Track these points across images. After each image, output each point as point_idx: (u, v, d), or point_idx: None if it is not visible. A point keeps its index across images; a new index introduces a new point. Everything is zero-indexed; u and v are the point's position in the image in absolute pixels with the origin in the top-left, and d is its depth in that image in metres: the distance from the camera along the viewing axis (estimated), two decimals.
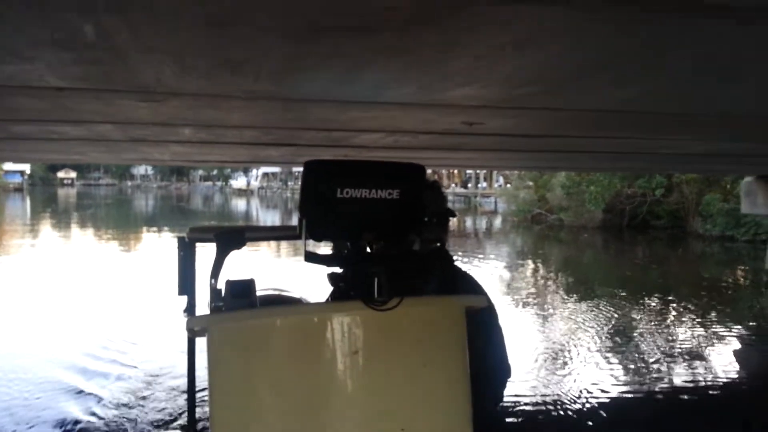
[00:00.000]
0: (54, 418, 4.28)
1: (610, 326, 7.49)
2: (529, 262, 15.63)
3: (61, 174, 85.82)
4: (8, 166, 60.19)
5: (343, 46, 1.51)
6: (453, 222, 1.74)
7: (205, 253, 1.87)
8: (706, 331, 7.52)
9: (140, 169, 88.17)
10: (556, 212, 25.35)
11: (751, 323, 8.41)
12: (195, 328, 1.42)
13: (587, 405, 4.74)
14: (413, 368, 1.47)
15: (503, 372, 2.20)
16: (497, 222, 30.44)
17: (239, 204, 50.01)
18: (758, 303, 10.39)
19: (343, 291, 1.50)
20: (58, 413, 4.38)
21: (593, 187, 21.47)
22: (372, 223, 1.41)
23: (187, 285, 1.94)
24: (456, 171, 51.15)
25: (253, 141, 4.27)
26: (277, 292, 2.61)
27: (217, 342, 1.36)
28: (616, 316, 8.08)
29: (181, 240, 1.98)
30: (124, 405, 4.54)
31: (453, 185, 53.11)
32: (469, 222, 30.46)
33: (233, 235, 1.73)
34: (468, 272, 2.27)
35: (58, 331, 6.61)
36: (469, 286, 2.18)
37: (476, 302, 1.68)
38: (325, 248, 1.56)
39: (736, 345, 7.02)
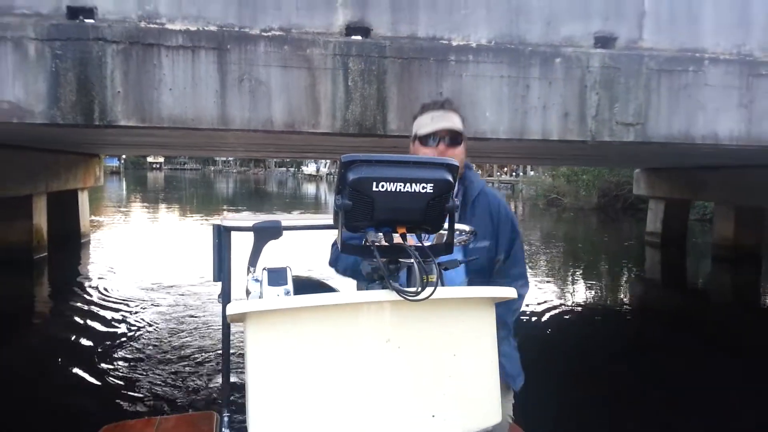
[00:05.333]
0: None
1: None
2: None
3: (150, 159, 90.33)
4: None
5: None
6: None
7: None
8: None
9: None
10: (565, 197, 30.51)
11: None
12: (234, 313, 1.41)
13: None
14: (444, 357, 1.53)
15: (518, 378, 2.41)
16: (522, 205, 35.46)
17: (309, 188, 55.12)
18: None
19: (376, 280, 1.54)
20: None
21: (585, 176, 26.63)
22: (406, 216, 1.44)
23: (222, 272, 1.93)
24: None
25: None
26: (311, 280, 2.63)
27: (255, 327, 1.40)
28: None
29: (216, 227, 1.93)
30: None
31: (499, 174, 57.44)
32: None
33: (270, 226, 1.78)
34: None
35: None
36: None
37: (505, 294, 1.68)
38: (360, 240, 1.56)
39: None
